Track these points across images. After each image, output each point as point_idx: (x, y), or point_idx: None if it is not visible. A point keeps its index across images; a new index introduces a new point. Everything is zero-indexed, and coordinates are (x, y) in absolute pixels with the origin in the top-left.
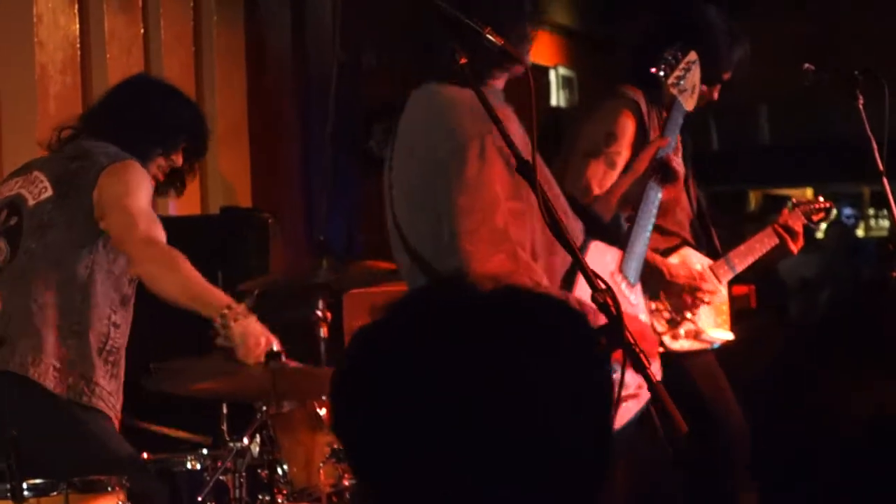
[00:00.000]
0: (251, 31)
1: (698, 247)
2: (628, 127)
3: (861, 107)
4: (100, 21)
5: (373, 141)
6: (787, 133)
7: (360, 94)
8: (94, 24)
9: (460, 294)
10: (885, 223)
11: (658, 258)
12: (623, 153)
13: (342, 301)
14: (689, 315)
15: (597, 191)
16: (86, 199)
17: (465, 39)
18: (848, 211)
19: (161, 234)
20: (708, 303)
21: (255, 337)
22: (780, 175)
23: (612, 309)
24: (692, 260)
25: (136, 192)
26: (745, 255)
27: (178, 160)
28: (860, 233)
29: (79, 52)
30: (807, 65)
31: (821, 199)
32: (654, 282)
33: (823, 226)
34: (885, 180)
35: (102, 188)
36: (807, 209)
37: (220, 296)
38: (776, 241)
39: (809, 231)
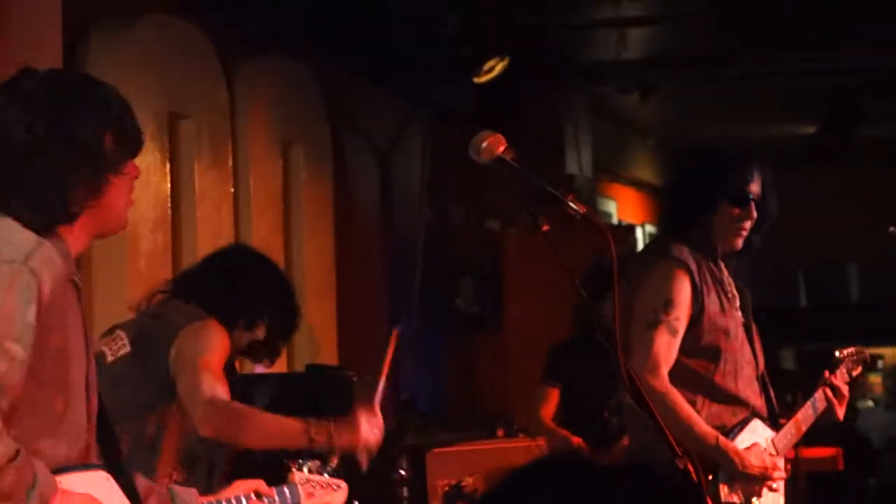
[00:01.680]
0: (339, 189)
1: (762, 409)
2: (684, 290)
3: None
4: (190, 179)
5: (459, 298)
6: (877, 291)
7: (447, 252)
8: (185, 182)
9: (589, 466)
10: None
11: (731, 448)
12: (682, 318)
13: (425, 460)
14: (755, 501)
15: (664, 365)
16: (163, 356)
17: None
18: None
19: (224, 394)
20: (776, 490)
21: (358, 432)
22: (868, 333)
23: (693, 475)
24: (759, 433)
25: (207, 353)
26: (803, 423)
27: (260, 334)
28: None
29: (169, 211)
30: (892, 228)
31: (854, 349)
32: (728, 469)
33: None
34: None
35: (180, 347)
36: (848, 365)
37: (296, 424)
38: (826, 404)
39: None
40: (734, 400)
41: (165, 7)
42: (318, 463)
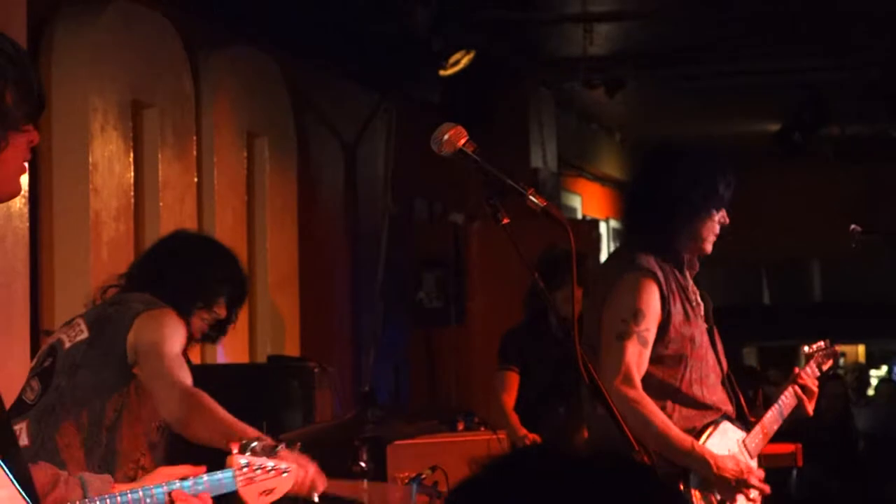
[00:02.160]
0: (304, 181)
1: (731, 412)
2: (653, 300)
3: None
4: (154, 169)
5: (422, 292)
6: (839, 290)
7: (410, 245)
8: (149, 172)
9: (560, 457)
10: None
11: (707, 452)
12: (652, 329)
13: (386, 452)
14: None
15: (636, 374)
16: (119, 342)
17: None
18: None
19: (188, 380)
20: (753, 500)
21: (305, 468)
22: (831, 331)
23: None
24: (730, 436)
25: (169, 339)
26: (773, 423)
27: (222, 312)
28: None
29: (133, 200)
30: (853, 226)
31: (824, 344)
32: (703, 473)
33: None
34: None
35: (137, 333)
36: (818, 360)
37: (251, 432)
38: (796, 401)
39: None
40: (702, 406)
41: None
42: (267, 444)
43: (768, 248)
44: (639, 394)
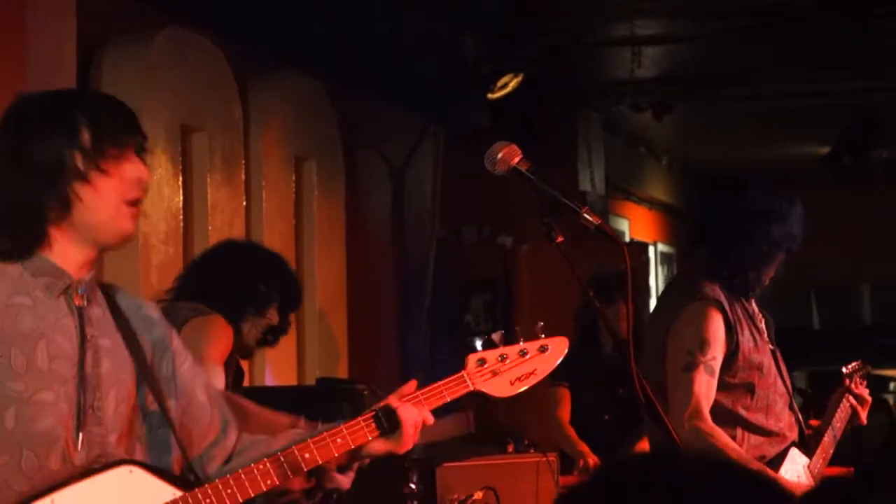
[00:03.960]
0: (351, 205)
1: (795, 436)
2: (719, 329)
3: None
4: (203, 193)
5: (470, 315)
6: (890, 313)
7: (459, 270)
8: (198, 195)
9: (673, 466)
10: None
11: (784, 482)
12: (718, 357)
13: (435, 474)
14: None
15: (706, 406)
16: None
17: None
18: None
19: (220, 384)
20: None
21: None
22: (882, 356)
23: None
24: (797, 462)
25: (207, 344)
26: (830, 446)
27: (273, 318)
28: None
29: (181, 223)
30: None
31: (859, 363)
32: None
33: None
34: None
35: (183, 339)
36: (857, 381)
37: (286, 419)
38: (850, 412)
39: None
40: (770, 433)
41: (181, 22)
42: (501, 335)
43: (817, 271)
44: (709, 426)
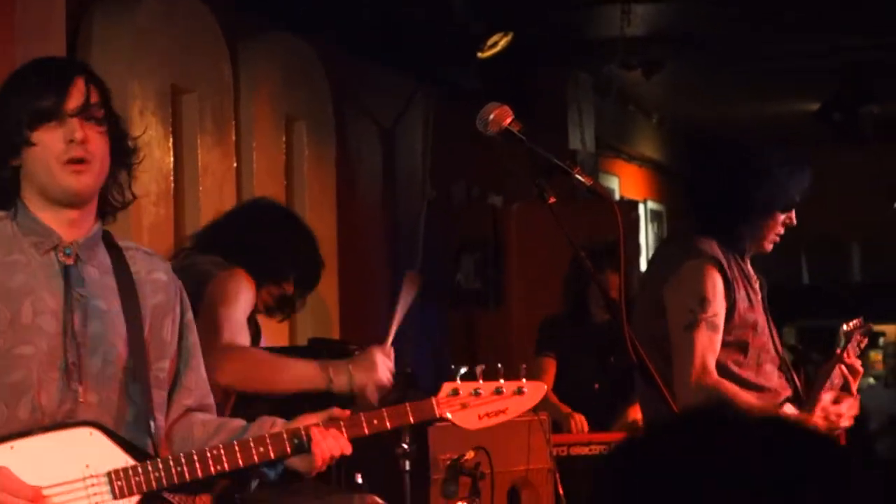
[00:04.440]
0: (342, 165)
1: (788, 395)
2: (718, 285)
3: None
4: (194, 154)
5: (461, 274)
6: (879, 270)
7: (449, 230)
8: (189, 157)
9: (732, 421)
10: None
11: (791, 413)
12: (720, 313)
13: (427, 434)
14: None
15: (711, 362)
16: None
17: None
18: None
19: (245, 342)
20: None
21: (375, 370)
22: (872, 312)
23: None
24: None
25: (233, 301)
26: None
27: (290, 289)
28: None
29: (172, 185)
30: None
31: (860, 321)
32: None
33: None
34: None
35: (209, 295)
36: (857, 339)
37: (313, 367)
38: (841, 381)
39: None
40: (761, 388)
41: None
42: (486, 367)
43: (807, 229)
44: (715, 379)
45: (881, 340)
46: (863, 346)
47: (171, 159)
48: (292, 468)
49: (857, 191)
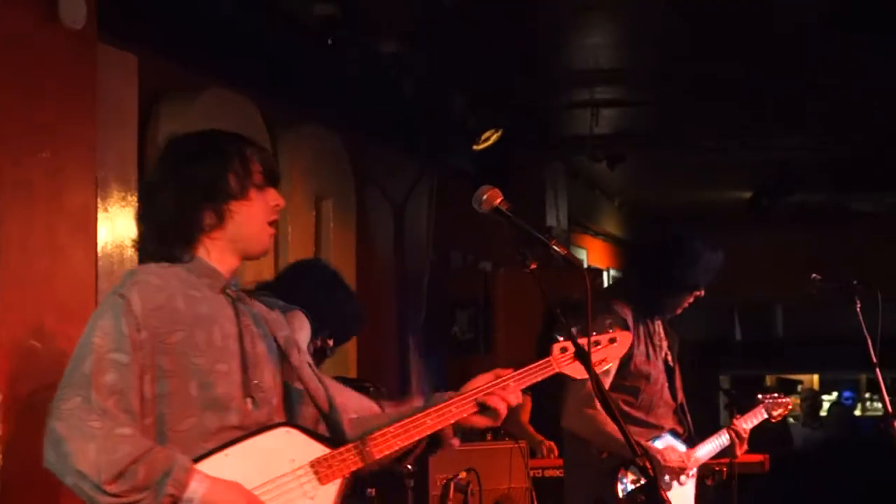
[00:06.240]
0: (361, 235)
1: (682, 432)
2: None
3: (858, 310)
4: None
5: (456, 327)
6: (798, 328)
7: (447, 289)
8: None
9: None
10: (879, 405)
11: (652, 448)
12: (611, 369)
13: (427, 459)
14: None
15: (595, 397)
16: None
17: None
18: (848, 394)
19: None
20: (682, 483)
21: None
22: (792, 363)
23: (651, 471)
24: (670, 441)
25: (303, 337)
26: (706, 456)
27: (329, 342)
28: (858, 412)
29: None
30: (814, 275)
31: (783, 398)
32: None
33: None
34: (877, 370)
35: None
36: (769, 406)
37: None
38: (728, 443)
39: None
40: (647, 425)
41: (223, 82)
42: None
43: (741, 293)
44: (596, 410)
45: (799, 387)
46: (776, 413)
47: None
48: (475, 427)
49: (781, 261)
